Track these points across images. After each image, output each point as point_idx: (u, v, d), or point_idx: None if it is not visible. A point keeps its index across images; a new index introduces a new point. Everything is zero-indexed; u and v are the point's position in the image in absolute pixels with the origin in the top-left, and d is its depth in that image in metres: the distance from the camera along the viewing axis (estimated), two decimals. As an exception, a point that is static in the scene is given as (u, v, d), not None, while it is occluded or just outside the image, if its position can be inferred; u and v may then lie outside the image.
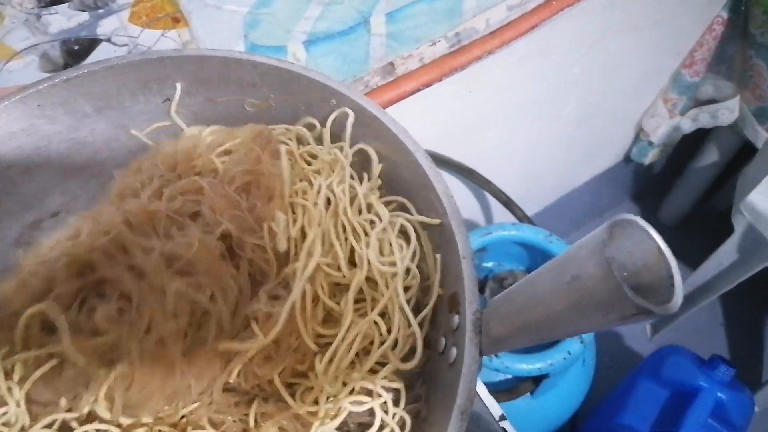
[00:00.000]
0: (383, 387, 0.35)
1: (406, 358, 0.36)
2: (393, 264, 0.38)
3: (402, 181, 0.39)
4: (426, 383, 0.35)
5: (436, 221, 0.37)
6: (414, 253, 0.39)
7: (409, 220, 0.39)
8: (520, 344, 0.27)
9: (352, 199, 0.41)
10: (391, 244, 0.39)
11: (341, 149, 0.43)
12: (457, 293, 0.32)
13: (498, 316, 0.28)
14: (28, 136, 0.42)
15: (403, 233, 0.40)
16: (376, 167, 0.42)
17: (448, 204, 0.34)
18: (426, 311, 0.36)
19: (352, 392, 0.35)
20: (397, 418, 0.35)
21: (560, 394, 0.87)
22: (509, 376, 0.81)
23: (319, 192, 0.41)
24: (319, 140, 0.44)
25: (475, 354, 0.29)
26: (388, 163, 0.40)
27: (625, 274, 0.23)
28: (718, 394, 0.90)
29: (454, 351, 0.31)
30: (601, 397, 1.03)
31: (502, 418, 0.48)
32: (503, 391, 0.82)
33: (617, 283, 0.21)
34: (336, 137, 0.43)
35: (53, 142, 0.43)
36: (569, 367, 0.84)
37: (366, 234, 0.40)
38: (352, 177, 0.42)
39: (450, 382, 0.30)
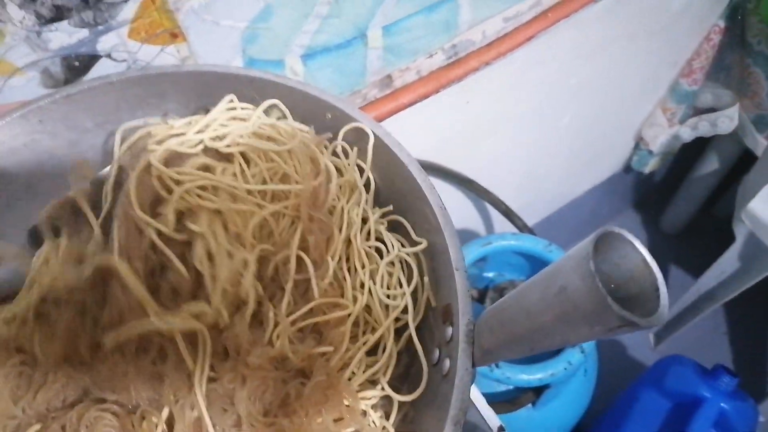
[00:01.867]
0: (373, 402, 0.35)
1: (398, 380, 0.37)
2: (394, 297, 0.39)
3: (398, 193, 0.39)
4: (411, 388, 0.36)
5: (422, 246, 0.38)
6: (415, 288, 0.39)
7: (408, 253, 0.40)
8: (511, 355, 0.27)
9: (363, 224, 0.42)
10: (391, 276, 0.40)
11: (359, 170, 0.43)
12: (450, 305, 0.32)
13: (489, 327, 0.28)
14: (30, 151, 0.43)
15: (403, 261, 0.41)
16: (372, 189, 0.43)
17: (441, 216, 0.34)
18: (408, 332, 0.37)
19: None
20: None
21: (562, 405, 0.87)
22: (510, 387, 0.81)
23: (343, 221, 0.41)
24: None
25: (468, 365, 0.29)
26: (385, 176, 0.40)
27: (612, 285, 0.23)
28: (722, 404, 0.89)
29: (447, 362, 0.31)
30: (603, 407, 1.03)
31: (501, 429, 0.48)
32: (504, 401, 0.82)
33: (602, 295, 0.21)
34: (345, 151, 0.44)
35: (55, 156, 0.44)
36: (571, 378, 0.84)
37: (369, 262, 0.40)
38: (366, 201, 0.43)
39: (443, 393, 0.30)
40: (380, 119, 0.65)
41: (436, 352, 0.33)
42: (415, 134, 0.76)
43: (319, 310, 0.38)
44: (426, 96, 0.67)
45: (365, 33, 0.59)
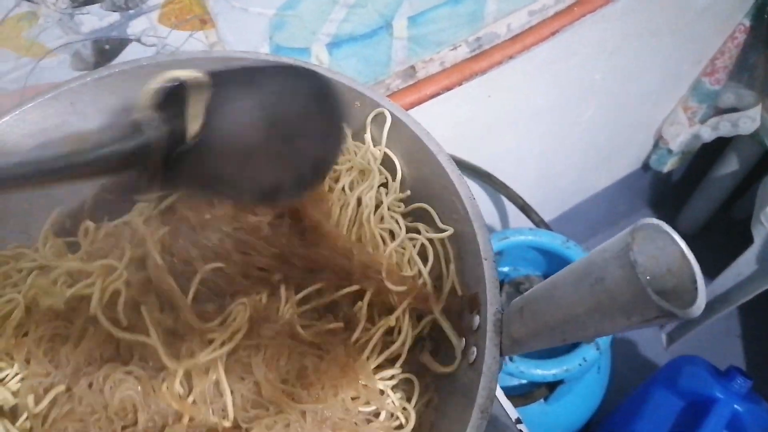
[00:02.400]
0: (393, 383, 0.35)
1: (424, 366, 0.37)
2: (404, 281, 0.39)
3: (424, 182, 0.39)
4: (435, 375, 0.36)
5: (449, 232, 0.38)
6: (431, 270, 0.40)
7: (429, 239, 0.40)
8: (541, 345, 0.27)
9: (377, 207, 0.42)
10: (406, 259, 0.40)
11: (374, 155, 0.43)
12: (477, 294, 0.33)
13: (519, 317, 0.28)
14: (61, 133, 0.43)
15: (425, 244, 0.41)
16: (398, 178, 0.43)
17: (470, 207, 0.35)
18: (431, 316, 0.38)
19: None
20: (405, 413, 0.35)
21: (574, 401, 0.87)
22: (524, 381, 0.81)
23: (348, 202, 0.42)
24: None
25: (495, 354, 0.29)
26: (411, 164, 0.40)
27: (649, 277, 0.23)
28: (735, 406, 0.89)
29: (474, 351, 0.31)
30: (614, 405, 1.02)
31: (519, 421, 0.48)
32: (518, 396, 0.82)
33: (641, 286, 0.21)
34: (356, 135, 0.44)
35: (85, 139, 0.44)
36: (584, 374, 0.84)
37: (384, 243, 0.41)
38: (384, 185, 0.43)
39: (470, 382, 0.30)
40: (402, 110, 0.65)
41: (462, 341, 0.33)
42: (436, 126, 0.74)
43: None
44: (449, 88, 0.67)
45: (391, 23, 0.59)
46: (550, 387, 0.82)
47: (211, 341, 0.35)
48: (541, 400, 0.83)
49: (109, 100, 0.44)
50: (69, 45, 0.45)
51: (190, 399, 0.34)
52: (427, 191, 0.40)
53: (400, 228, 0.41)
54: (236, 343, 0.34)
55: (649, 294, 0.21)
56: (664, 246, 0.24)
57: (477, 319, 0.32)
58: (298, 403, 0.34)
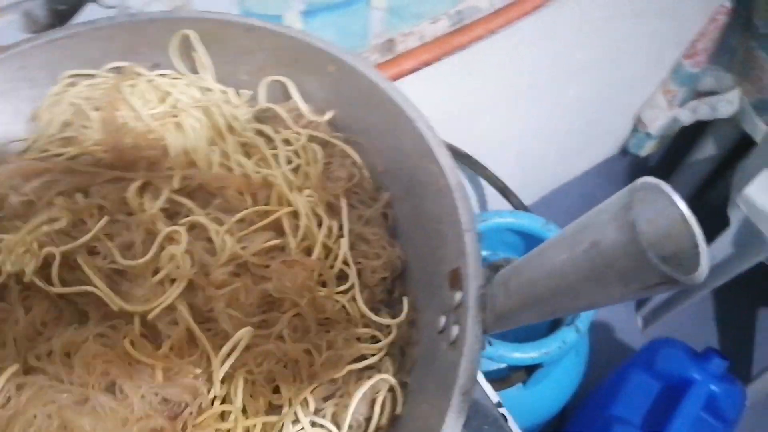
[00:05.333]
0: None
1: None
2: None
3: (402, 150, 0.37)
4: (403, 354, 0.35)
5: None
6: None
7: None
8: (529, 320, 0.25)
9: None
10: None
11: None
12: (459, 268, 0.30)
13: (505, 290, 0.26)
14: (7, 100, 0.40)
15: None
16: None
17: (451, 175, 0.32)
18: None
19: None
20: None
21: (552, 385, 0.86)
22: (502, 366, 0.80)
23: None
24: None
25: (478, 332, 0.27)
26: (389, 132, 0.38)
27: (648, 241, 0.21)
28: (711, 387, 0.89)
29: (455, 329, 0.29)
30: (591, 388, 1.02)
31: (499, 404, 0.46)
32: (495, 380, 0.81)
33: (642, 249, 0.19)
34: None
35: (35, 106, 0.41)
36: (563, 357, 0.83)
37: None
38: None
39: (450, 362, 0.28)
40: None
41: (442, 319, 0.31)
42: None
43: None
44: (428, 63, 0.65)
45: (369, -9, 0.56)
46: (528, 371, 0.81)
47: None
48: (519, 384, 0.82)
49: (64, 64, 0.41)
50: (19, 4, 0.42)
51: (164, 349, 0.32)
52: (406, 160, 0.37)
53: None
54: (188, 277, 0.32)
55: (650, 258, 0.19)
56: (663, 208, 0.22)
57: (458, 296, 0.30)
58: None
